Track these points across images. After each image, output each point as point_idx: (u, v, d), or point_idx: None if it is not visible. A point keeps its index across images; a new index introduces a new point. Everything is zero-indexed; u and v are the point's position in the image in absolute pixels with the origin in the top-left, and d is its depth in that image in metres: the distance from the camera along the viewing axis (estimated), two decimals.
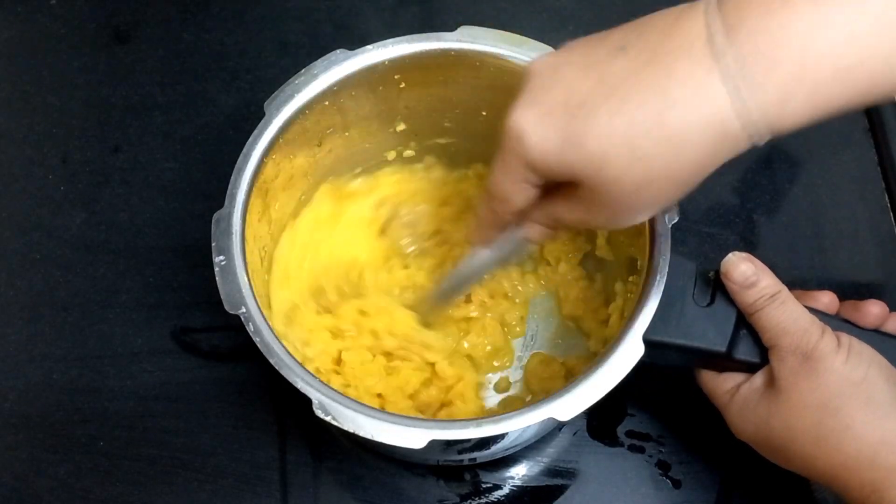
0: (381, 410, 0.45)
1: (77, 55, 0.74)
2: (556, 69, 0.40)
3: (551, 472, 0.59)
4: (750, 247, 0.66)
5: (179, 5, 0.76)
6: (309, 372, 0.45)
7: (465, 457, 0.57)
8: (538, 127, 0.39)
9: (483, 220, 0.47)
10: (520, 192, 0.43)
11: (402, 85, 0.55)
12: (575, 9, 0.75)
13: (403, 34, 0.53)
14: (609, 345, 0.46)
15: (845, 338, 0.47)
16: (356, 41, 0.54)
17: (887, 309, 0.51)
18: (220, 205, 0.49)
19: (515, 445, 0.57)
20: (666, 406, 0.61)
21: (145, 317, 0.64)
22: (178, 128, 0.70)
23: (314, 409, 0.44)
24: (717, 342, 0.48)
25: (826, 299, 0.51)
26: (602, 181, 0.39)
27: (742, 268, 0.47)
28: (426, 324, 0.58)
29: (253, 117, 0.52)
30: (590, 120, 0.38)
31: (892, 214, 0.67)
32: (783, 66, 0.36)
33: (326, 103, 0.53)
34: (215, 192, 0.51)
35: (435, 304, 0.57)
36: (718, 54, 0.36)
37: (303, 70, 0.52)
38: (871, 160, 0.69)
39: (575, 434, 0.60)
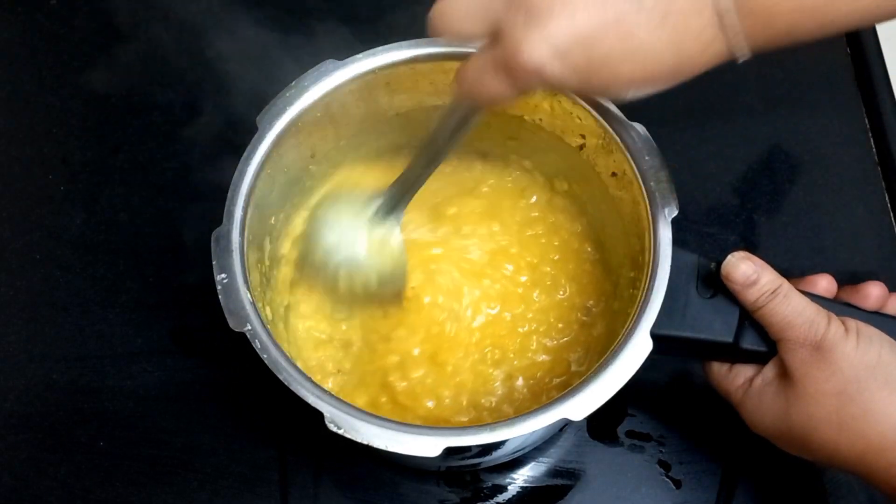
0: (394, 421, 0.44)
1: (77, 55, 0.74)
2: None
3: (552, 472, 0.59)
4: (750, 247, 0.66)
5: (179, 6, 0.75)
6: (318, 386, 0.45)
7: (469, 462, 0.57)
8: (555, 65, 0.41)
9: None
10: (505, 91, 0.44)
11: (393, 92, 0.55)
12: None
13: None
14: (617, 342, 0.46)
15: (851, 322, 0.46)
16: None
17: (887, 290, 0.50)
18: (220, 205, 0.49)
19: (522, 449, 0.57)
20: (666, 406, 0.60)
21: (145, 317, 0.64)
22: (178, 128, 0.70)
23: (326, 422, 0.44)
24: (723, 333, 0.48)
25: (824, 283, 0.51)
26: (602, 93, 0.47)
27: (742, 268, 0.47)
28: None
29: (253, 118, 0.52)
30: (605, 69, 0.41)
31: (892, 214, 0.67)
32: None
33: (318, 115, 0.53)
34: (215, 192, 0.51)
35: (403, 189, 0.54)
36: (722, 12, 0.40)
37: (293, 82, 0.52)
38: (871, 160, 0.69)
39: (576, 435, 0.60)
